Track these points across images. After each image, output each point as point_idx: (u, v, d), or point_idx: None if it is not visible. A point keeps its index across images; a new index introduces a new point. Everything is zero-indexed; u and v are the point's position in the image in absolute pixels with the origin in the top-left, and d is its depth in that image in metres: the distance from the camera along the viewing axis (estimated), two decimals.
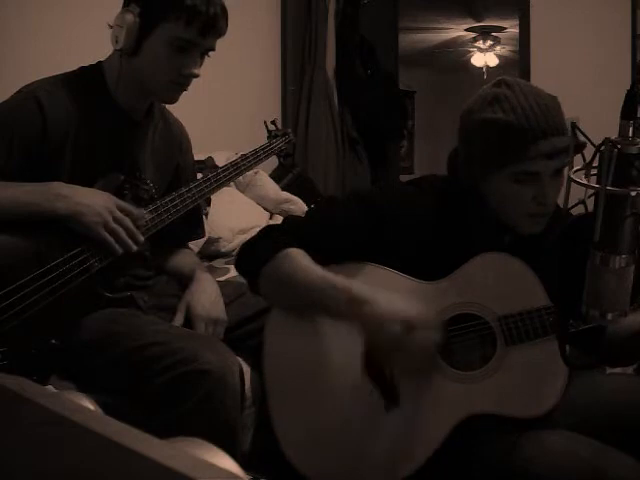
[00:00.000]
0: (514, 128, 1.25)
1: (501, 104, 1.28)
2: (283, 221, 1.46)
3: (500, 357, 1.29)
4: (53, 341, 1.38)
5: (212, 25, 1.49)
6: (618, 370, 1.61)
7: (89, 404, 0.53)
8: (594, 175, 0.98)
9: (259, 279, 1.36)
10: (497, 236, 1.38)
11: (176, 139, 1.75)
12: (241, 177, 2.16)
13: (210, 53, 1.56)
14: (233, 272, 2.13)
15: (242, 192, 2.92)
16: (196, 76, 1.53)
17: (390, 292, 1.27)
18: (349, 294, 1.26)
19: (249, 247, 1.42)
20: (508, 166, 1.28)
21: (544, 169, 1.27)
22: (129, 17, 1.47)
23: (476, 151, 1.33)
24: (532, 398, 1.27)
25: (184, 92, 1.57)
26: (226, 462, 0.42)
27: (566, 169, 1.03)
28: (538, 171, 1.27)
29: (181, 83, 1.54)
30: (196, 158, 1.84)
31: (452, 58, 7.44)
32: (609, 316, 1.00)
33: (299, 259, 1.32)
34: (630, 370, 1.63)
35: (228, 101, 3.39)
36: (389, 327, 1.22)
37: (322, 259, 1.35)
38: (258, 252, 1.37)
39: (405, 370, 1.29)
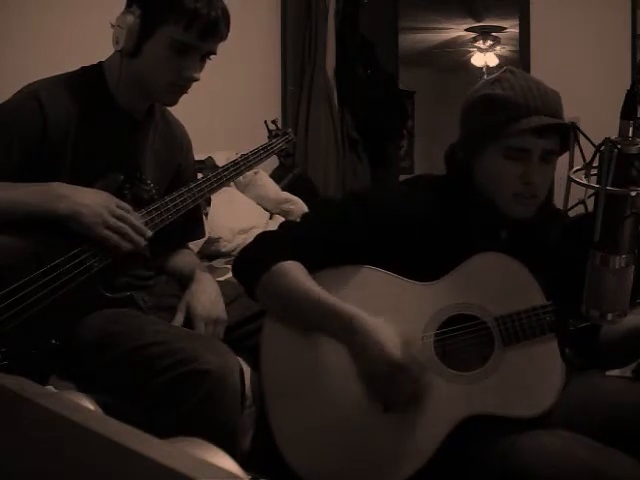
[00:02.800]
0: (509, 101, 1.30)
1: (501, 83, 1.34)
2: (279, 227, 1.46)
3: (498, 357, 1.29)
4: (53, 341, 1.38)
5: (212, 29, 1.49)
6: (616, 372, 1.61)
7: (89, 404, 0.53)
8: (594, 175, 0.98)
9: (256, 290, 1.37)
10: (494, 231, 1.39)
11: (177, 139, 1.75)
12: (241, 177, 2.16)
13: (211, 56, 1.56)
14: None
15: (242, 192, 2.92)
16: (196, 80, 1.53)
17: (383, 325, 1.28)
18: (342, 321, 1.29)
19: (245, 256, 1.42)
20: (500, 139, 1.31)
21: (533, 147, 1.30)
22: (130, 18, 1.47)
23: (473, 126, 1.36)
24: (530, 398, 1.27)
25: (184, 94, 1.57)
26: (226, 462, 0.42)
27: (566, 169, 1.03)
28: (527, 147, 1.30)
29: (181, 86, 1.54)
30: (196, 158, 1.84)
31: (452, 58, 7.44)
32: (609, 316, 1.01)
33: (294, 275, 1.33)
34: (628, 373, 1.63)
35: (228, 101, 3.39)
36: (375, 365, 1.26)
37: (320, 264, 1.35)
38: (253, 263, 1.38)
39: (392, 400, 1.30)
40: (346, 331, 1.29)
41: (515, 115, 1.29)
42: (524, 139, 1.29)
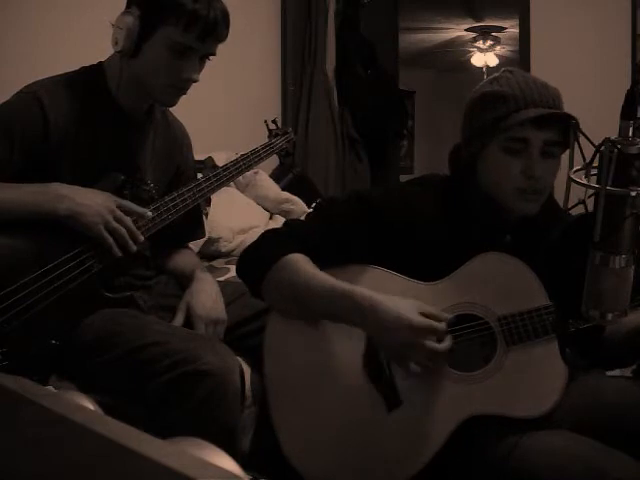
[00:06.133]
0: (507, 95, 1.32)
1: (499, 81, 1.35)
2: (283, 224, 1.46)
3: (500, 357, 1.29)
4: (53, 341, 1.38)
5: (211, 30, 1.49)
6: (617, 372, 1.61)
7: (89, 404, 0.53)
8: (594, 175, 0.98)
9: (261, 286, 1.36)
10: (498, 235, 1.39)
11: (177, 139, 1.75)
12: (241, 177, 2.17)
13: (210, 57, 1.56)
14: (233, 272, 2.13)
15: (242, 192, 2.92)
16: (195, 81, 1.53)
17: (396, 297, 1.27)
18: (353, 300, 1.27)
19: (250, 253, 1.41)
20: (499, 134, 1.31)
21: (533, 138, 1.30)
22: (129, 19, 1.47)
23: (474, 124, 1.37)
24: (533, 398, 1.27)
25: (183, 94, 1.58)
26: (226, 462, 0.42)
27: (566, 169, 1.03)
28: (527, 137, 1.30)
29: (180, 87, 1.54)
30: (196, 158, 1.84)
31: (452, 58, 7.44)
32: (609, 316, 1.00)
33: (300, 264, 1.33)
34: (628, 372, 1.63)
35: (228, 101, 3.39)
36: (395, 333, 1.24)
37: (324, 262, 1.35)
38: (259, 259, 1.37)
39: (412, 369, 1.30)
40: (361, 311, 1.26)
41: (514, 108, 1.30)
42: (523, 130, 1.30)
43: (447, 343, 1.26)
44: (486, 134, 1.34)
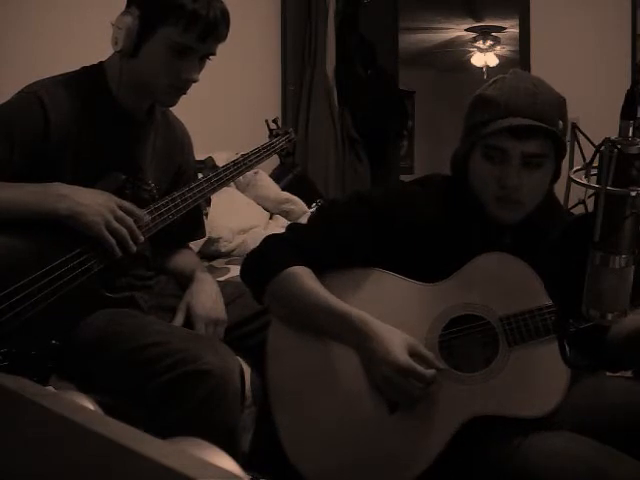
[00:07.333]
0: (494, 101, 1.30)
1: (497, 84, 1.34)
2: (286, 229, 1.46)
3: (503, 357, 1.29)
4: (53, 341, 1.38)
5: (211, 30, 1.49)
6: (617, 373, 1.61)
7: (89, 404, 0.53)
8: (594, 175, 0.97)
9: (264, 295, 1.37)
10: (498, 235, 1.39)
11: (178, 139, 1.75)
12: (241, 177, 2.16)
13: (210, 56, 1.56)
14: (233, 272, 2.14)
15: (242, 192, 2.92)
16: (195, 81, 1.53)
17: (393, 330, 1.29)
18: (352, 326, 1.30)
19: (253, 260, 1.42)
20: (480, 140, 1.31)
21: (510, 148, 1.29)
22: (128, 19, 1.47)
23: (465, 124, 1.37)
24: (535, 398, 1.27)
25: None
26: (226, 462, 0.42)
27: (566, 169, 1.03)
28: (504, 148, 1.29)
29: (180, 87, 1.54)
30: (196, 158, 1.84)
31: (452, 58, 7.44)
32: (609, 316, 1.00)
33: (301, 279, 1.34)
34: (629, 373, 1.62)
35: (228, 101, 3.39)
36: (380, 367, 1.27)
37: (326, 267, 1.36)
38: (261, 269, 1.38)
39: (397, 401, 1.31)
40: (356, 335, 1.30)
41: (495, 115, 1.29)
42: (500, 139, 1.29)
43: (426, 392, 1.27)
44: (470, 138, 1.34)
